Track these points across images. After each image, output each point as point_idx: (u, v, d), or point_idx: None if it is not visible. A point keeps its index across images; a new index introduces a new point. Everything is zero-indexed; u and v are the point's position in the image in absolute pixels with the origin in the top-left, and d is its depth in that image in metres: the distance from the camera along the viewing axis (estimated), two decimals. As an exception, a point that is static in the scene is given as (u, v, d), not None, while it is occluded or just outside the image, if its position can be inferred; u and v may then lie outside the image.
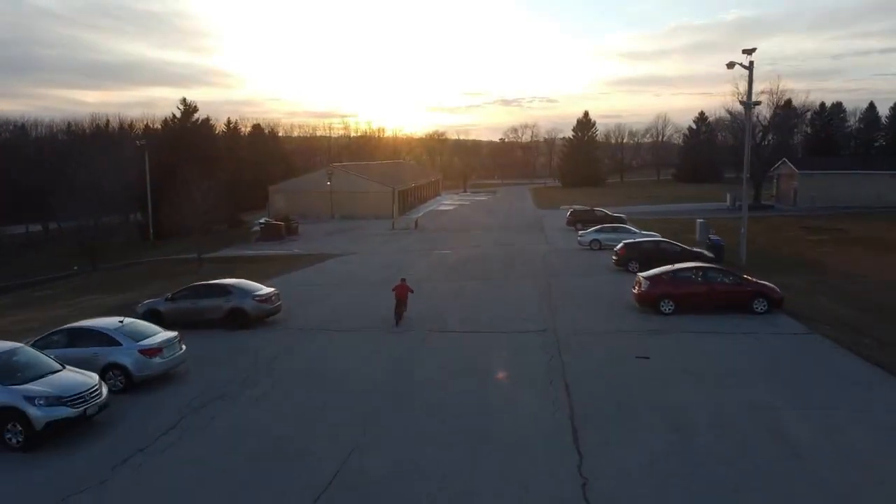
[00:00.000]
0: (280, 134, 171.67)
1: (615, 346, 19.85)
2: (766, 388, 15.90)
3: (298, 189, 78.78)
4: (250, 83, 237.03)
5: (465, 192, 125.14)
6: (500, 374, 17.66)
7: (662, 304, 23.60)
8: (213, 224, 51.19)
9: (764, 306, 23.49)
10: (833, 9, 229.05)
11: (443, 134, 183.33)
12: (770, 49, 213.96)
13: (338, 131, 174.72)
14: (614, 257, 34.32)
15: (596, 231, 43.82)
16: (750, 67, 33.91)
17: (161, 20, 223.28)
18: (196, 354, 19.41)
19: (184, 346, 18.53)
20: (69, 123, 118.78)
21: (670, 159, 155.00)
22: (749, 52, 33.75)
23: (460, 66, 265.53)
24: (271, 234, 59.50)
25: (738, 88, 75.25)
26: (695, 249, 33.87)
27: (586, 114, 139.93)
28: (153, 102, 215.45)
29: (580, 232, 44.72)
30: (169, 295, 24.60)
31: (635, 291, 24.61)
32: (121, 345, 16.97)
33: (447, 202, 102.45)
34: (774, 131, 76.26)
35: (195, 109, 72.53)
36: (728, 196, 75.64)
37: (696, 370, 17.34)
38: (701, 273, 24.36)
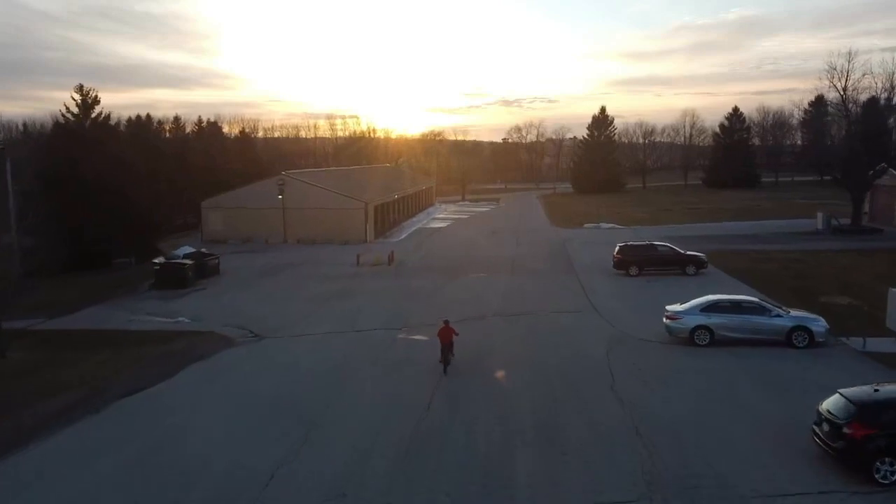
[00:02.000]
0: (259, 135, 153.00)
1: None
2: None
3: (242, 205, 57.77)
4: (250, 85, 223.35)
5: (463, 200, 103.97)
6: None
7: None
8: (44, 267, 30.52)
9: None
10: (835, 7, 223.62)
11: (439, 134, 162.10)
12: (772, 48, 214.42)
13: (324, 132, 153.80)
14: (825, 439, 13.01)
15: (703, 311, 22.41)
16: None
17: (160, 22, 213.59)
18: None
19: None
20: (24, 124, 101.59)
21: (693, 161, 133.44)
22: None
23: (461, 67, 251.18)
24: (170, 279, 38.48)
25: (835, 72, 54.32)
26: None
27: (603, 110, 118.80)
28: (154, 104, 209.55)
29: (669, 309, 23.32)
30: None
31: None
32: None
33: (441, 216, 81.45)
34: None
35: (96, 101, 51.57)
36: (820, 216, 54.43)
37: None
38: None
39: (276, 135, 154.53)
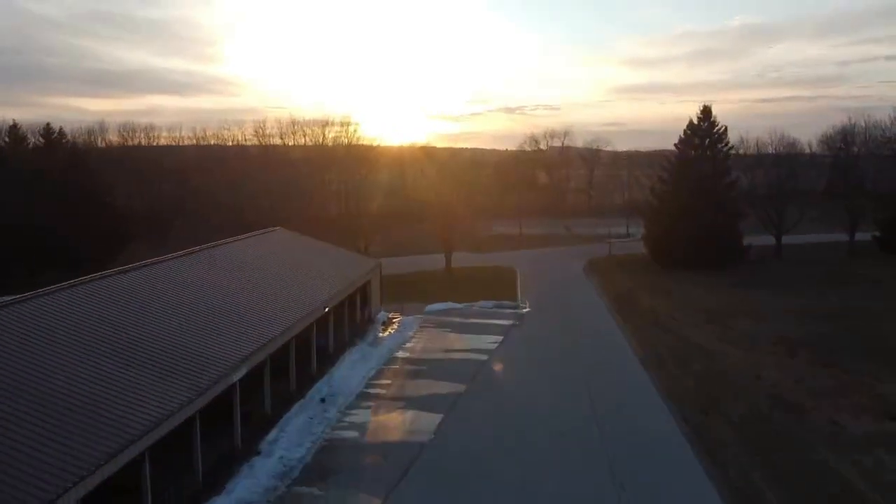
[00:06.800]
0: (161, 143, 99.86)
1: None
2: None
3: None
4: (253, 91, 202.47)
5: (445, 301, 46.03)
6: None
7: None
8: None
9: None
10: (838, 15, 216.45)
11: (426, 146, 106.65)
12: (775, 56, 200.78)
13: (250, 138, 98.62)
14: None
15: None
16: None
17: (161, 28, 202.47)
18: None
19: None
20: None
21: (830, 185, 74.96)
22: None
23: (462, 74, 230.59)
24: None
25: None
26: None
27: (707, 112, 62.20)
28: (156, 110, 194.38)
29: None
30: None
31: None
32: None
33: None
34: None
35: None
36: None
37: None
38: None
39: (188, 142, 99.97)
